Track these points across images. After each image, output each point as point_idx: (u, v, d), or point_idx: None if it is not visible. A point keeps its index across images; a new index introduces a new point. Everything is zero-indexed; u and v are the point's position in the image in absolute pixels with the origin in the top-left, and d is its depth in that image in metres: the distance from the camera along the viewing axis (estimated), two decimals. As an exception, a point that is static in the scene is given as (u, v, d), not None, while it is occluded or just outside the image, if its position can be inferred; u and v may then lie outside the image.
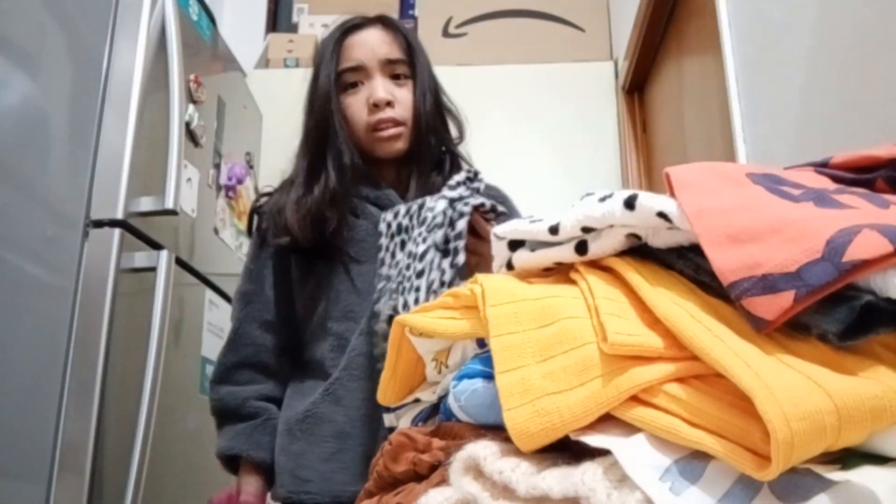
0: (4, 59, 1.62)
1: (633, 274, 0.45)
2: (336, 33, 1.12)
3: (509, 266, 0.56)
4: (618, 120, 2.74)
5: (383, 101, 1.07)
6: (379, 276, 0.97)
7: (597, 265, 0.50)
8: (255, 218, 1.15)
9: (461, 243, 0.90)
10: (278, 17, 3.31)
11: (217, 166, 2.02)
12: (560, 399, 0.39)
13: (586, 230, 0.49)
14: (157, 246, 1.62)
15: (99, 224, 1.51)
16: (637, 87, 2.68)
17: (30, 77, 1.65)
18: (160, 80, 1.67)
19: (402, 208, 1.00)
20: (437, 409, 0.53)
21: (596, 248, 0.49)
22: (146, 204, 1.59)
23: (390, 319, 0.86)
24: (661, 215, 0.45)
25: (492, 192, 1.17)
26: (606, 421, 0.39)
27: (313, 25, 3.13)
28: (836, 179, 0.52)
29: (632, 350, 0.39)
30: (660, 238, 0.47)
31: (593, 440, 0.37)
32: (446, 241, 0.90)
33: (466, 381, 0.46)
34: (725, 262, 0.40)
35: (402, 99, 1.09)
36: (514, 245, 0.55)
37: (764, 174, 0.50)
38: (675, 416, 0.36)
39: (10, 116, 1.59)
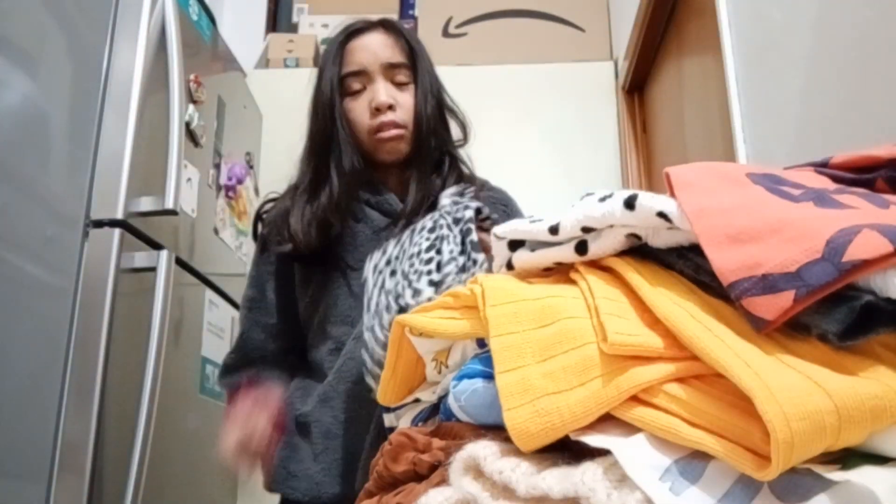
0: (4, 59, 1.62)
1: (633, 274, 0.45)
2: (339, 38, 1.13)
3: (509, 266, 0.56)
4: (618, 120, 2.74)
5: (385, 104, 1.07)
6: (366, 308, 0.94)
7: (597, 265, 0.50)
8: (260, 223, 1.16)
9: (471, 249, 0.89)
10: (278, 17, 3.31)
11: (217, 166, 2.02)
12: (560, 399, 0.39)
13: (586, 230, 0.49)
14: (157, 246, 1.62)
15: (99, 224, 1.51)
16: (637, 87, 2.68)
17: (30, 77, 1.65)
18: (160, 80, 1.67)
19: (390, 244, 0.98)
20: (437, 409, 0.53)
21: (596, 248, 0.49)
22: (146, 204, 1.59)
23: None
24: (661, 215, 0.45)
25: (496, 194, 1.17)
26: (606, 421, 0.39)
27: (313, 25, 3.13)
28: (836, 179, 0.52)
29: (632, 350, 0.39)
30: (660, 238, 0.47)
31: (593, 440, 0.37)
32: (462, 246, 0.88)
33: (466, 381, 0.46)
34: (725, 262, 0.40)
35: (403, 102, 1.09)
36: (514, 245, 0.55)
37: (764, 174, 0.50)
38: (675, 416, 0.36)
39: (10, 116, 1.60)
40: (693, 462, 0.35)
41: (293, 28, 3.21)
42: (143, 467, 1.44)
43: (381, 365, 0.76)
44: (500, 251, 0.57)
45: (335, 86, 1.09)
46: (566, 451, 0.39)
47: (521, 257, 0.54)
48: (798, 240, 0.38)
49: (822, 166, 0.55)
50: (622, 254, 0.49)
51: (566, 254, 0.51)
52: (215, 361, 1.86)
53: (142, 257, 1.57)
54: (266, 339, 1.10)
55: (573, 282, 0.49)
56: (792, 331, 0.38)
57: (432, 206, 1.08)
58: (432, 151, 1.11)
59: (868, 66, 0.97)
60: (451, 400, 0.47)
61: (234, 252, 2.09)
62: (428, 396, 0.55)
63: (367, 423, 0.96)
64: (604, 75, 2.82)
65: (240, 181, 2.15)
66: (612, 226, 0.48)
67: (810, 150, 1.10)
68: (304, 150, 1.14)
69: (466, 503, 0.40)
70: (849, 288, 0.37)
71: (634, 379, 0.38)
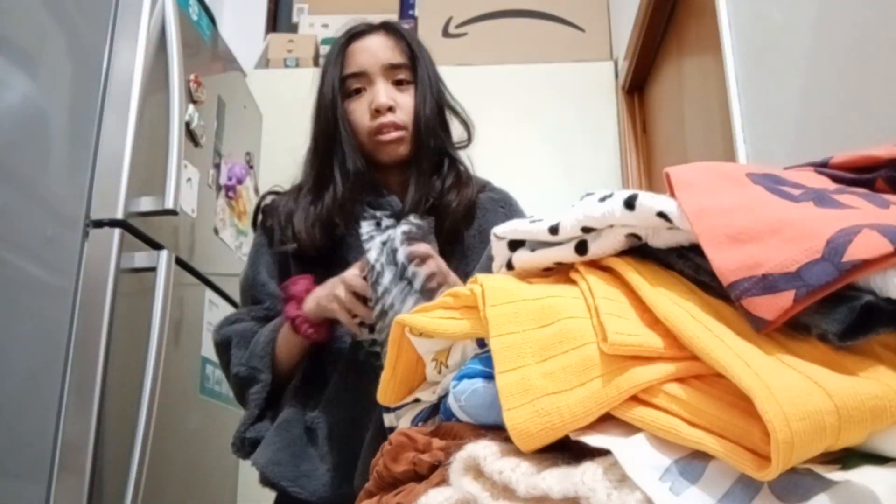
0: (4, 59, 1.62)
1: (633, 274, 0.45)
2: (340, 40, 1.14)
3: (509, 266, 0.56)
4: (618, 120, 2.74)
5: (384, 105, 1.07)
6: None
7: (597, 265, 0.50)
8: (261, 215, 1.16)
9: (411, 270, 0.92)
10: (278, 17, 3.31)
11: (217, 166, 2.02)
12: (560, 399, 0.39)
13: (586, 230, 0.49)
14: (157, 246, 1.62)
15: (99, 224, 1.51)
16: (637, 87, 2.68)
17: (30, 77, 1.65)
18: (160, 80, 1.67)
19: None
20: (437, 409, 0.53)
21: (596, 248, 0.49)
22: (146, 204, 1.59)
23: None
24: (661, 215, 0.45)
25: (496, 195, 1.17)
26: (606, 421, 0.39)
27: (313, 25, 3.13)
28: (836, 179, 0.52)
29: (632, 350, 0.39)
30: (660, 238, 0.47)
31: (593, 440, 0.37)
32: (403, 271, 0.92)
33: (466, 381, 0.46)
34: (725, 262, 0.40)
35: (403, 104, 1.10)
36: (514, 245, 0.55)
37: (764, 174, 0.50)
38: (675, 416, 0.36)
39: (10, 116, 1.60)
40: (693, 462, 0.35)
41: (293, 28, 3.21)
42: (143, 467, 1.44)
43: None
44: (500, 251, 0.57)
45: (336, 88, 1.10)
46: (566, 451, 0.39)
47: (521, 257, 0.54)
48: (798, 240, 0.38)
49: (822, 166, 0.55)
50: (622, 254, 0.49)
51: (566, 254, 0.51)
52: (215, 361, 1.86)
53: (142, 257, 1.57)
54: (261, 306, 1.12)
55: (573, 282, 0.49)
56: (792, 331, 0.38)
57: (432, 207, 1.08)
58: (432, 152, 1.11)
59: (868, 66, 0.97)
60: (451, 400, 0.47)
61: (234, 252, 2.09)
62: (428, 396, 0.55)
63: (368, 427, 0.96)
64: (604, 75, 2.82)
65: (240, 181, 2.15)
66: (612, 226, 0.48)
67: (810, 150, 1.10)
68: (307, 151, 1.14)
69: (466, 503, 0.40)
70: (849, 288, 0.37)
71: (634, 379, 0.38)
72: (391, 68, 1.10)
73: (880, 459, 0.34)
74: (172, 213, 1.59)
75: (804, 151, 1.14)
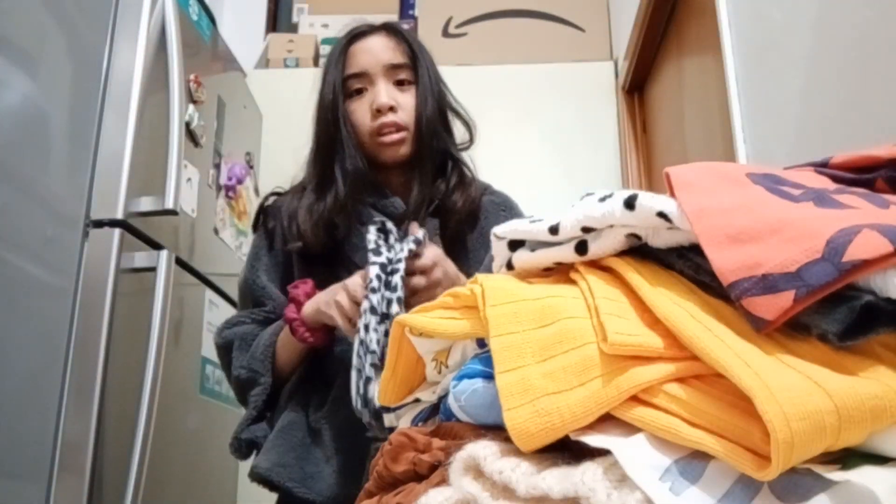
0: (4, 59, 1.62)
1: (633, 274, 0.45)
2: (342, 41, 1.14)
3: (509, 266, 0.56)
4: (618, 120, 2.74)
5: (386, 106, 1.07)
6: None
7: (597, 265, 0.50)
8: (262, 216, 1.16)
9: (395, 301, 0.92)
10: (278, 17, 3.31)
11: (217, 166, 2.02)
12: (560, 399, 0.39)
13: (586, 230, 0.49)
14: (157, 246, 1.62)
15: (99, 224, 1.51)
16: (637, 87, 2.68)
17: (30, 77, 1.65)
18: (160, 80, 1.67)
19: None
20: (437, 409, 0.53)
21: (596, 248, 0.49)
22: (146, 204, 1.59)
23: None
24: (661, 215, 0.45)
25: (497, 199, 1.17)
26: (606, 421, 0.39)
27: (313, 25, 3.13)
28: (836, 179, 0.52)
29: (632, 350, 0.39)
30: (660, 238, 0.47)
31: (593, 440, 0.37)
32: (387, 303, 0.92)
33: (466, 381, 0.46)
34: (725, 262, 0.40)
35: (405, 104, 1.10)
36: (514, 245, 0.55)
37: (764, 174, 0.50)
38: (675, 416, 0.36)
39: (10, 116, 1.60)
40: (693, 462, 0.35)
41: (293, 28, 3.21)
42: (143, 467, 1.44)
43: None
44: (500, 251, 0.57)
45: (338, 88, 1.10)
46: (566, 451, 0.39)
47: (521, 257, 0.54)
48: (798, 240, 0.38)
49: (822, 166, 0.55)
50: (622, 254, 0.49)
51: (566, 254, 0.51)
52: (215, 361, 1.86)
53: (142, 257, 1.57)
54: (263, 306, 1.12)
55: (573, 282, 0.49)
56: (792, 331, 0.38)
57: (436, 209, 1.08)
58: (434, 153, 1.11)
59: (868, 66, 0.97)
60: (451, 400, 0.47)
61: (234, 252, 2.09)
62: (428, 396, 0.55)
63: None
64: (604, 75, 2.82)
65: (240, 181, 2.15)
66: (612, 226, 0.48)
67: (810, 150, 1.10)
68: (310, 151, 1.14)
69: (466, 503, 0.40)
70: (849, 288, 0.37)
71: (634, 379, 0.38)
72: (392, 69, 1.10)
73: (880, 459, 0.34)
74: (172, 213, 1.60)
75: (804, 151, 1.14)
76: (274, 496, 1.04)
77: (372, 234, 0.97)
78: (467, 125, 1.18)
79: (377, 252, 0.94)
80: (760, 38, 1.37)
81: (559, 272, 0.53)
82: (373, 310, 0.90)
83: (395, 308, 0.90)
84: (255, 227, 1.18)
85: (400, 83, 1.11)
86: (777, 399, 0.32)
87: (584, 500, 0.34)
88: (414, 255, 0.95)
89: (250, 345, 1.06)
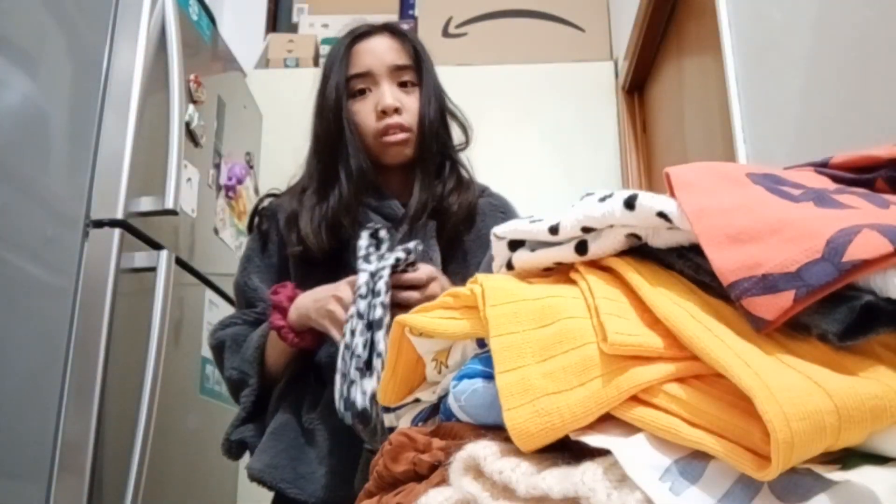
0: (4, 59, 1.62)
1: (633, 274, 0.45)
2: (345, 40, 1.13)
3: (509, 266, 0.56)
4: (618, 120, 2.74)
5: (391, 107, 1.07)
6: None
7: (597, 265, 0.50)
8: (257, 217, 1.15)
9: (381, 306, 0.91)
10: (278, 17, 3.32)
11: (217, 166, 2.02)
12: (560, 399, 0.39)
13: (586, 230, 0.49)
14: (157, 246, 1.62)
15: (99, 224, 1.51)
16: (637, 87, 2.68)
17: (30, 77, 1.65)
18: (160, 80, 1.67)
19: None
20: (437, 409, 0.53)
21: (596, 248, 0.49)
22: (146, 204, 1.59)
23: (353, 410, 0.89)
24: (661, 215, 0.45)
25: (495, 201, 1.17)
26: (606, 421, 0.39)
27: (313, 25, 3.13)
28: (836, 179, 0.52)
29: (632, 350, 0.39)
30: (660, 238, 0.47)
31: (593, 440, 0.37)
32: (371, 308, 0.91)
33: (466, 381, 0.46)
34: (725, 262, 0.40)
35: (409, 106, 1.09)
36: (514, 245, 0.55)
37: (764, 174, 0.50)
38: (675, 416, 0.36)
39: (10, 116, 1.60)
40: (693, 462, 0.35)
41: (293, 28, 3.21)
42: (143, 467, 1.44)
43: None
44: (500, 251, 0.57)
45: (342, 88, 1.09)
46: (566, 451, 0.39)
47: (521, 257, 0.54)
48: (798, 240, 0.38)
49: (822, 166, 0.55)
50: (622, 254, 0.49)
51: (566, 254, 0.51)
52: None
53: (142, 257, 1.57)
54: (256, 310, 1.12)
55: (573, 282, 0.49)
56: (792, 331, 0.38)
57: (433, 210, 1.08)
58: (435, 155, 1.11)
59: (868, 66, 0.97)
60: (451, 400, 0.47)
61: (234, 252, 2.09)
62: (428, 396, 0.55)
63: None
64: (604, 75, 2.82)
65: (240, 181, 2.15)
66: (612, 226, 0.48)
67: (810, 150, 1.10)
68: (309, 152, 1.14)
69: (466, 503, 0.40)
70: (849, 288, 0.37)
71: (634, 379, 0.38)
72: (397, 70, 1.10)
73: (880, 459, 0.34)
74: (172, 213, 1.60)
75: (804, 151, 1.14)
76: (271, 495, 1.04)
77: (363, 241, 0.97)
78: (463, 127, 1.17)
79: (367, 259, 0.94)
80: (760, 38, 1.37)
81: (559, 272, 0.53)
82: (359, 315, 0.90)
83: (378, 312, 0.90)
84: (249, 229, 1.18)
85: (403, 84, 1.11)
86: (777, 399, 0.32)
87: (584, 500, 0.34)
88: (407, 267, 0.95)
89: (241, 346, 1.06)
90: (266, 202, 1.16)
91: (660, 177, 0.51)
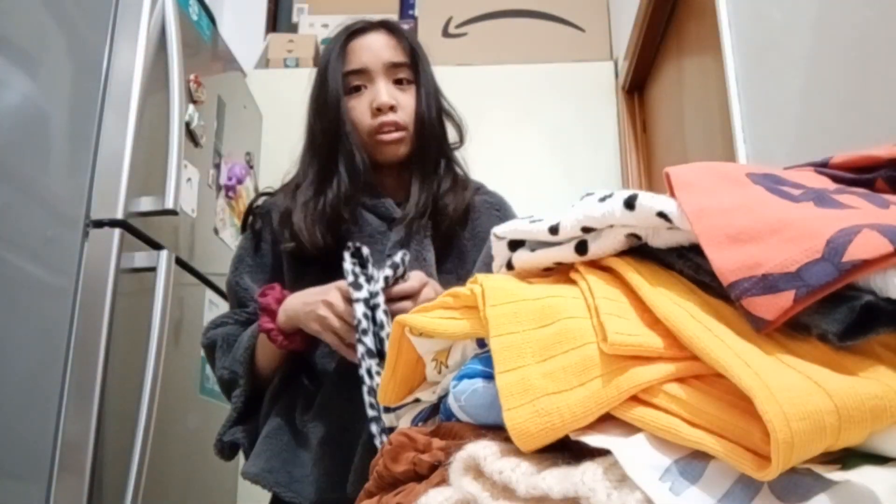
0: (4, 59, 1.62)
1: (633, 274, 0.46)
2: (341, 37, 1.12)
3: (509, 266, 0.56)
4: (618, 120, 2.74)
5: (386, 105, 1.06)
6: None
7: (597, 265, 0.50)
8: (251, 217, 1.15)
9: (386, 332, 0.90)
10: (278, 17, 3.32)
11: (217, 166, 2.02)
12: (560, 399, 0.39)
13: (586, 230, 0.49)
14: (157, 246, 1.62)
15: (99, 224, 1.52)
16: (637, 87, 2.68)
17: (30, 77, 1.65)
18: (160, 80, 1.67)
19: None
20: (437, 409, 0.53)
21: (596, 248, 0.49)
22: (146, 204, 1.59)
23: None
24: (661, 215, 0.45)
25: (491, 199, 1.16)
26: (606, 421, 0.39)
27: (313, 25, 3.13)
28: (836, 179, 0.52)
29: (632, 350, 0.39)
30: (660, 238, 0.47)
31: (593, 440, 0.37)
32: (380, 341, 0.90)
33: (466, 381, 0.46)
34: (725, 262, 0.40)
35: (405, 104, 1.09)
36: (514, 245, 0.55)
37: (764, 174, 0.50)
38: (675, 416, 0.36)
39: (10, 116, 1.60)
40: (693, 462, 0.35)
41: (293, 28, 3.21)
42: (143, 467, 1.44)
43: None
44: (500, 251, 0.57)
45: (339, 84, 1.08)
46: (566, 451, 0.39)
47: (521, 257, 0.54)
48: (798, 240, 0.38)
49: (822, 166, 0.55)
50: (622, 254, 0.49)
51: (566, 254, 0.51)
52: (215, 361, 1.86)
53: (142, 257, 1.57)
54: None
55: (573, 282, 0.49)
56: (792, 331, 0.38)
57: (431, 211, 1.07)
58: (432, 153, 1.11)
59: (868, 66, 0.97)
60: (451, 400, 0.47)
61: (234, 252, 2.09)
62: (428, 396, 0.55)
63: (362, 429, 0.96)
64: (604, 75, 2.82)
65: (240, 181, 2.15)
66: (612, 226, 0.48)
67: (810, 150, 1.10)
68: (304, 148, 1.13)
69: (466, 503, 0.40)
70: (849, 288, 0.37)
71: (634, 379, 0.38)
72: (393, 67, 1.09)
73: (880, 459, 0.34)
74: (172, 213, 1.60)
75: (804, 151, 1.14)
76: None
77: (348, 264, 0.94)
78: (458, 126, 1.17)
79: (357, 286, 0.92)
80: (760, 38, 1.37)
81: (559, 272, 0.53)
82: (370, 353, 0.88)
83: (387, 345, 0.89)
84: (243, 228, 1.17)
85: (399, 82, 1.10)
86: (777, 399, 0.32)
87: (584, 500, 0.34)
88: (395, 280, 0.94)
89: (232, 346, 1.06)
90: (260, 201, 1.15)
91: (660, 177, 0.51)
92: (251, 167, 2.31)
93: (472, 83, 2.76)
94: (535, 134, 2.76)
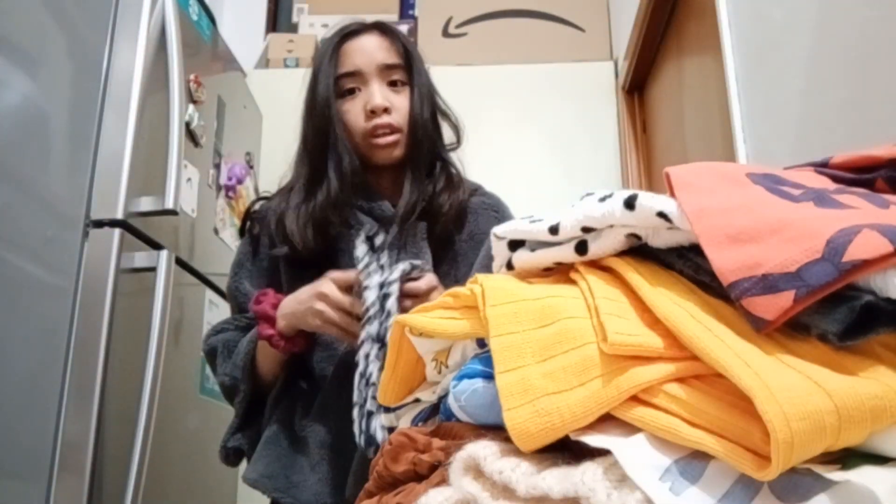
0: (4, 59, 1.62)
1: (633, 274, 0.46)
2: (334, 39, 1.11)
3: (509, 266, 0.56)
4: (618, 120, 2.74)
5: (381, 107, 1.06)
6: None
7: (597, 265, 0.50)
8: (249, 221, 1.15)
9: (391, 322, 0.89)
10: (278, 17, 3.32)
11: (217, 166, 2.02)
12: (560, 399, 0.39)
13: (586, 230, 0.49)
14: (157, 246, 1.62)
15: (99, 224, 1.51)
16: (637, 87, 2.68)
17: (30, 77, 1.65)
18: (160, 80, 1.67)
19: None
20: (437, 409, 0.53)
21: (596, 248, 0.49)
22: (146, 204, 1.59)
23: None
24: (661, 215, 0.45)
25: (488, 200, 1.16)
26: (606, 421, 0.39)
27: (313, 25, 3.13)
28: (836, 179, 0.52)
29: (632, 350, 0.39)
30: (660, 238, 0.47)
31: (593, 440, 0.37)
32: (383, 329, 0.89)
33: (466, 381, 0.46)
34: (725, 262, 0.40)
35: (399, 105, 1.08)
36: (514, 245, 0.55)
37: (764, 174, 0.50)
38: (675, 416, 0.36)
39: (10, 116, 1.60)
40: (693, 462, 0.35)
41: (293, 28, 3.22)
42: (143, 467, 1.44)
43: None
44: (500, 251, 0.57)
45: (331, 86, 1.08)
46: (566, 451, 0.39)
47: (521, 257, 0.54)
48: (798, 240, 0.38)
49: (822, 166, 0.55)
50: (622, 254, 0.49)
51: (566, 254, 0.51)
52: (215, 361, 1.86)
53: (142, 257, 1.57)
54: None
55: (573, 282, 0.49)
56: (792, 331, 0.38)
57: (423, 211, 1.07)
58: (426, 155, 1.10)
59: (868, 66, 0.97)
60: (451, 400, 0.47)
61: (235, 252, 2.09)
62: (428, 396, 0.55)
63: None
64: (604, 75, 2.82)
65: (240, 181, 2.15)
66: (612, 226, 0.48)
67: (810, 150, 1.10)
68: (298, 150, 1.12)
69: (466, 503, 0.40)
70: (849, 288, 0.37)
71: (634, 379, 0.38)
72: (386, 69, 1.09)
73: (880, 459, 0.34)
74: (172, 213, 1.60)
75: (804, 151, 1.14)
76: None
77: (360, 249, 0.94)
78: (455, 126, 1.17)
79: (369, 274, 0.92)
80: (760, 38, 1.37)
81: (559, 272, 0.53)
82: (372, 338, 0.88)
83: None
84: (241, 233, 1.17)
85: (393, 84, 1.09)
86: (777, 399, 0.32)
87: (584, 500, 0.34)
88: (409, 278, 0.94)
89: (232, 351, 1.06)
90: (257, 205, 1.15)
91: (660, 177, 0.51)
92: (251, 167, 2.31)
93: (472, 83, 2.76)
94: (535, 134, 2.76)
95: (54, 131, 1.61)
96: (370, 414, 0.86)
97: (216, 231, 1.99)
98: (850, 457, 0.34)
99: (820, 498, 0.31)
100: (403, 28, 3.03)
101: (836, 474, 0.32)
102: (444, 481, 0.43)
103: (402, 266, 0.93)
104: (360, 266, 0.92)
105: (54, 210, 1.54)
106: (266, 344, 1.00)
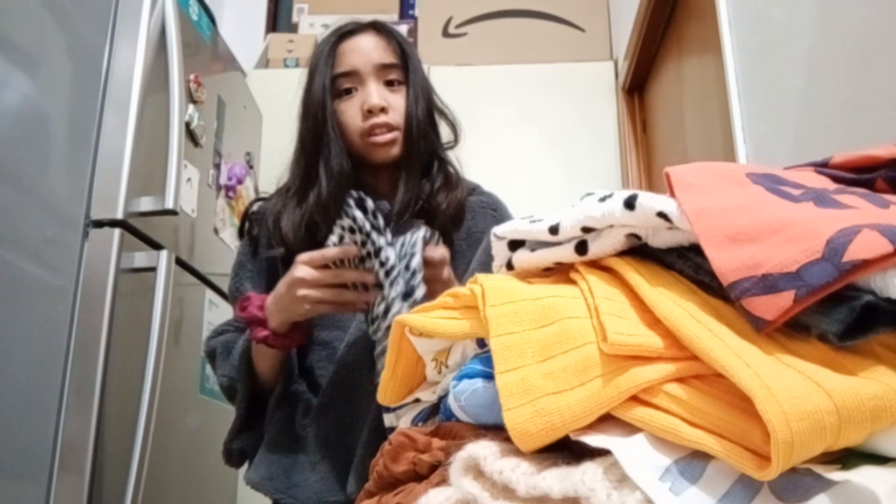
0: (4, 59, 1.62)
1: (633, 274, 0.46)
2: (330, 39, 1.11)
3: (509, 266, 0.56)
4: (618, 120, 2.74)
5: (377, 106, 1.06)
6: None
7: (597, 265, 0.50)
8: (248, 223, 1.15)
9: (418, 280, 0.88)
10: (278, 17, 3.32)
11: (217, 166, 2.02)
12: (560, 399, 0.39)
13: (586, 230, 0.49)
14: (157, 246, 1.62)
15: (99, 224, 1.52)
16: (637, 87, 2.68)
17: (30, 77, 1.65)
18: (160, 80, 1.67)
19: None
20: (437, 409, 0.53)
21: (596, 248, 0.49)
22: (146, 204, 1.59)
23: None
24: (661, 215, 0.45)
25: (486, 199, 1.16)
26: (606, 421, 0.39)
27: (313, 25, 3.13)
28: (836, 179, 0.52)
29: (632, 350, 0.39)
30: (660, 238, 0.47)
31: (593, 440, 0.37)
32: (410, 287, 0.88)
33: (466, 381, 0.46)
34: (725, 262, 0.40)
35: (395, 105, 1.08)
36: (514, 245, 0.56)
37: (764, 174, 0.50)
38: (675, 416, 0.36)
39: (10, 116, 1.60)
40: (693, 462, 0.35)
41: (293, 28, 3.22)
42: (143, 467, 1.44)
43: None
44: (500, 251, 0.57)
45: (327, 87, 1.08)
46: (566, 451, 0.39)
47: (521, 257, 0.54)
48: (798, 240, 0.38)
49: (822, 166, 0.55)
50: (622, 254, 0.49)
51: (566, 254, 0.51)
52: (215, 361, 1.86)
53: (142, 257, 1.57)
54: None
55: (573, 282, 0.49)
56: (792, 331, 0.38)
57: (421, 209, 1.07)
58: (423, 154, 1.10)
59: (868, 66, 0.97)
60: (451, 400, 0.47)
61: (234, 252, 2.09)
62: (428, 396, 0.55)
63: (362, 431, 0.96)
64: (604, 75, 2.82)
65: (240, 181, 2.15)
66: (612, 226, 0.48)
67: (810, 150, 1.10)
68: (294, 151, 1.12)
69: (466, 503, 0.40)
70: (849, 288, 0.37)
71: (634, 379, 0.38)
72: (383, 68, 1.09)
73: (880, 459, 0.34)
74: (172, 213, 1.60)
75: (804, 151, 1.14)
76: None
77: (359, 211, 0.90)
78: (452, 125, 1.17)
79: (376, 237, 0.90)
80: (760, 38, 1.37)
81: (559, 272, 0.53)
82: (400, 297, 0.87)
83: (420, 293, 0.86)
84: (240, 234, 1.17)
85: (390, 83, 1.09)
86: (777, 399, 0.32)
87: (584, 500, 0.34)
88: (425, 245, 0.92)
89: (231, 352, 1.06)
90: (255, 206, 1.15)
91: (660, 177, 0.51)
92: (251, 167, 2.31)
93: (472, 83, 2.76)
94: (535, 134, 2.76)
95: (54, 131, 1.61)
96: (391, 430, 0.86)
97: (216, 231, 1.99)
98: (850, 457, 0.34)
99: (820, 498, 0.31)
100: (403, 28, 3.03)
101: (836, 474, 0.32)
102: (444, 481, 0.43)
103: (423, 230, 0.91)
104: (366, 227, 0.91)
105: (54, 210, 1.54)
106: (262, 347, 0.99)
